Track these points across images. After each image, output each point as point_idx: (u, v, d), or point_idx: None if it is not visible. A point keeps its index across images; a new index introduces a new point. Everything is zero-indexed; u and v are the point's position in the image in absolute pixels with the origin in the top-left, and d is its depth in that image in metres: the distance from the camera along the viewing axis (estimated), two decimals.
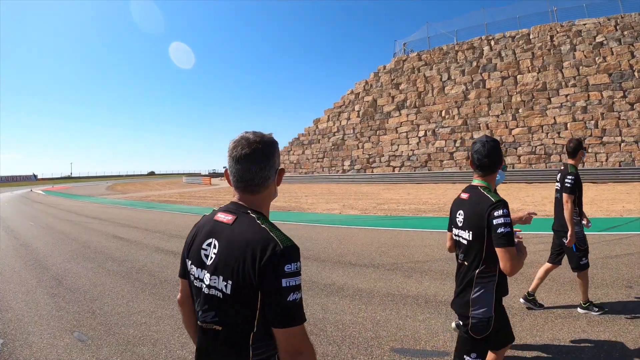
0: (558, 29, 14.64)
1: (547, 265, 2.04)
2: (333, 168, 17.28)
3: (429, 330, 1.97)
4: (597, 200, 7.98)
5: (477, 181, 1.07)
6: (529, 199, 8.42)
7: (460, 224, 1.07)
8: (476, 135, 15.38)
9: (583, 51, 14.61)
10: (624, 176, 13.00)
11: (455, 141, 15.05)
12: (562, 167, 2.05)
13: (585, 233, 2.03)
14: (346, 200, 9.62)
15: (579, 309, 1.93)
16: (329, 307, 2.32)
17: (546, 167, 13.85)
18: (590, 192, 9.54)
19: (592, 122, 14.33)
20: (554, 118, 14.62)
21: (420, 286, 2.73)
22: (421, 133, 15.59)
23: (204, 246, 0.63)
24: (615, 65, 14.60)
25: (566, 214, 1.82)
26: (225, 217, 0.64)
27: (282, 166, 0.70)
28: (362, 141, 16.80)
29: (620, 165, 13.65)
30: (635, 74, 14.44)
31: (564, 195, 1.85)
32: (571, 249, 1.85)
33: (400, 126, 16.14)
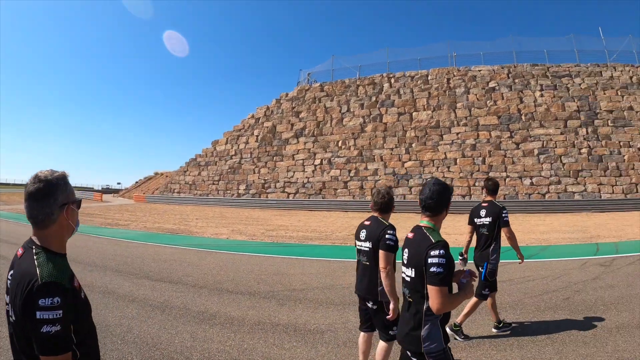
0: (455, 73, 17.82)
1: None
2: (228, 191, 19.44)
3: (293, 359, 2.26)
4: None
5: (423, 222, 1.31)
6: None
7: (405, 262, 1.30)
8: (370, 166, 17.47)
9: (476, 94, 17.05)
10: (508, 208, 15.03)
11: (349, 171, 17.34)
12: (486, 204, 2.65)
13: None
14: (236, 225, 10.58)
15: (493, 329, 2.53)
16: (198, 335, 2.61)
17: None
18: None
19: (480, 158, 16.37)
20: (445, 154, 16.33)
21: (292, 314, 3.11)
22: (317, 161, 18.10)
23: (9, 276, 0.81)
24: (505, 108, 17.47)
25: (512, 243, 2.53)
26: (19, 251, 0.82)
27: (80, 198, 0.91)
28: (258, 166, 19.34)
29: (505, 198, 15.62)
30: (522, 117, 17.14)
31: (505, 229, 2.51)
32: (480, 278, 2.34)
33: (297, 153, 18.79)
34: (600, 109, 17.03)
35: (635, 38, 19.57)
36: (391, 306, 1.78)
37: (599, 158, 16.20)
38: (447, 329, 2.21)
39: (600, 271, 4.73)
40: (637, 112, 17.15)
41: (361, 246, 1.91)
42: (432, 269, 1.15)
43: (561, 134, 16.27)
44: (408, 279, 1.28)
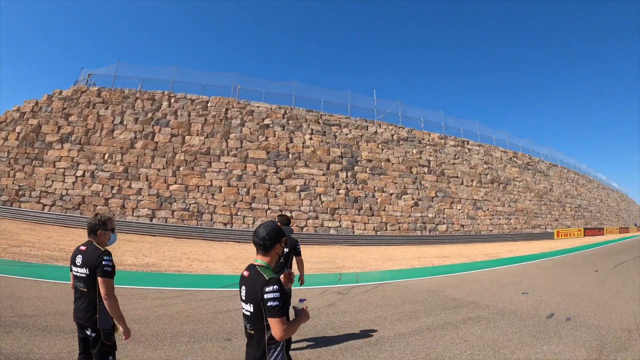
0: (235, 104, 23.91)
1: None
2: None
3: None
4: (232, 258, 12.95)
5: (257, 261, 1.92)
6: (168, 254, 12.59)
7: (244, 298, 1.87)
8: (135, 185, 20.45)
9: (250, 128, 23.94)
10: None
11: (112, 187, 20.17)
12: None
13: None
14: None
15: None
16: None
17: (197, 225, 19.96)
18: (229, 251, 15.11)
19: (245, 189, 22.88)
20: (211, 181, 21.39)
21: (17, 343, 3.59)
22: (80, 172, 20.50)
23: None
24: (275, 145, 25.46)
25: (302, 269, 4.04)
26: None
27: None
28: (15, 169, 20.57)
29: None
30: (290, 156, 25.64)
31: (298, 257, 4.15)
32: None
33: (60, 161, 20.85)
34: (362, 158, 26.68)
35: (403, 104, 31.86)
36: (121, 329, 2.45)
37: (355, 199, 25.11)
38: None
39: (337, 299, 6.78)
40: (392, 164, 27.61)
41: (77, 272, 2.43)
42: (270, 304, 1.72)
43: (323, 175, 24.55)
44: (248, 313, 1.85)
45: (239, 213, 21.40)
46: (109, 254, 2.44)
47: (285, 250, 4.21)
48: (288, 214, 21.47)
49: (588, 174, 58.78)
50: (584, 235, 42.17)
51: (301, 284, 4.67)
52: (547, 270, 13.33)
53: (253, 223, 21.25)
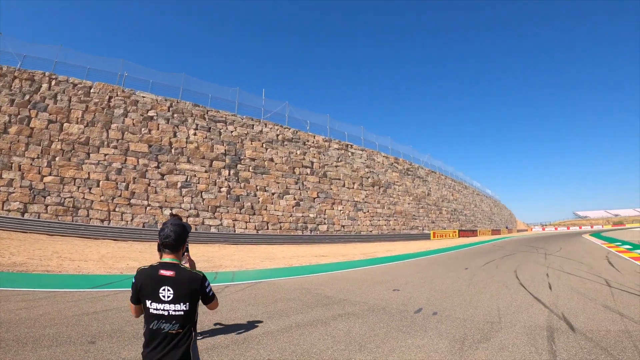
0: (119, 93, 28.52)
1: None
2: None
3: None
4: (107, 257, 14.73)
5: (168, 259, 2.58)
6: (38, 252, 14.17)
7: (169, 299, 2.44)
8: (5, 175, 24.04)
9: (133, 119, 29.73)
10: (146, 236, 26.76)
11: None
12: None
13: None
14: None
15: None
16: None
17: (72, 220, 23.88)
18: (104, 250, 18.24)
19: (124, 184, 28.32)
20: (89, 173, 26.02)
21: None
22: None
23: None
24: (158, 139, 31.43)
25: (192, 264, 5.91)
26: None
27: None
28: None
29: (144, 226, 28.99)
30: (173, 150, 32.23)
31: (187, 254, 5.94)
32: None
33: None
34: (245, 156, 34.26)
35: (290, 105, 40.26)
36: None
37: (237, 197, 32.53)
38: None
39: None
40: (276, 163, 35.69)
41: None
42: (211, 294, 2.67)
43: (205, 172, 31.47)
44: (179, 313, 2.47)
45: (117, 209, 26.37)
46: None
47: None
48: (168, 211, 28.19)
49: (464, 181, 76.15)
50: (459, 237, 55.98)
51: None
52: (420, 269, 16.07)
53: (131, 220, 26.07)
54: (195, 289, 2.56)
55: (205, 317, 6.76)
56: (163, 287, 2.50)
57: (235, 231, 31.08)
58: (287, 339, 5.70)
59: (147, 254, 17.75)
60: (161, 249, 2.74)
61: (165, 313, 2.47)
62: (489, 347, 5.38)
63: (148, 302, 2.51)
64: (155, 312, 2.49)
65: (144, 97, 30.15)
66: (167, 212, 28.00)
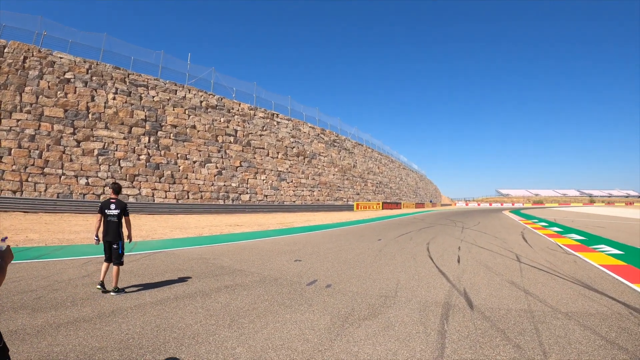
0: (35, 53, 29.03)
1: (105, 263, 7.29)
2: None
3: None
4: (7, 230, 15.15)
5: None
6: None
7: None
8: None
9: (49, 82, 31.03)
10: (61, 208, 29.67)
11: None
12: (114, 200, 7.44)
13: None
14: None
15: (112, 293, 6.93)
16: None
17: None
18: (8, 222, 18.31)
19: (37, 151, 29.22)
20: (0, 141, 30.85)
21: None
22: None
23: None
24: (74, 103, 32.76)
25: (130, 228, 7.48)
26: None
27: None
28: None
29: (58, 197, 30.90)
30: (90, 116, 33.85)
31: (127, 217, 7.48)
32: (118, 251, 7.30)
33: None
34: (167, 123, 36.22)
35: (217, 72, 42.20)
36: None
37: (157, 166, 34.66)
38: (98, 286, 7.09)
39: (97, 269, 8.92)
40: (198, 131, 37.91)
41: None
42: None
43: (124, 138, 33.25)
44: None
45: (29, 179, 27.20)
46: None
47: (117, 211, 7.39)
48: (84, 181, 30.05)
49: (391, 155, 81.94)
50: (382, 209, 61.26)
51: (129, 241, 7.76)
52: (333, 239, 16.84)
53: (45, 190, 26.73)
54: None
55: (82, 290, 7.36)
56: None
57: (154, 201, 33.24)
58: (157, 313, 5.85)
59: (52, 226, 18.50)
60: None
61: None
62: (373, 325, 5.42)
63: None
64: None
65: (61, 57, 31.04)
66: (82, 181, 29.63)
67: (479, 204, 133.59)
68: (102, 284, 7.43)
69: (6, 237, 2.56)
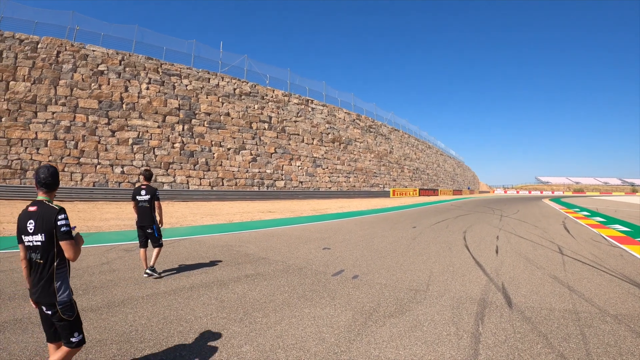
0: (68, 47, 29.68)
1: (142, 249, 7.47)
2: None
3: None
4: None
5: (41, 197, 3.10)
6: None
7: (32, 231, 2.94)
8: None
9: (82, 75, 30.25)
10: (97, 196, 29.34)
11: None
12: (144, 186, 7.66)
13: None
14: None
15: (148, 270, 7.30)
16: None
17: (21, 183, 25.67)
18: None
19: (73, 142, 29.62)
20: (36, 133, 27.04)
21: None
22: None
23: None
24: (108, 94, 32.90)
25: (160, 213, 7.72)
26: None
27: None
28: None
29: (94, 185, 31.26)
30: (124, 106, 33.91)
31: (158, 202, 7.69)
32: (154, 235, 7.55)
33: None
34: (200, 111, 36.24)
35: (250, 59, 41.83)
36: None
37: (191, 153, 34.78)
38: (148, 271, 7.32)
39: (118, 256, 8.95)
40: (232, 118, 37.80)
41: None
42: (63, 228, 2.93)
43: (158, 127, 33.45)
44: (39, 243, 2.95)
45: (66, 169, 27.73)
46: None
47: (148, 196, 7.56)
48: (119, 170, 30.39)
49: (428, 141, 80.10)
50: (419, 195, 60.14)
51: (161, 225, 7.80)
52: (365, 226, 16.56)
53: (81, 180, 27.32)
54: (50, 220, 3.03)
55: (99, 277, 7.29)
56: (30, 221, 3.04)
57: (189, 188, 33.57)
58: (168, 303, 5.68)
59: (84, 214, 18.70)
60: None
61: (34, 243, 3.03)
62: (399, 324, 4.93)
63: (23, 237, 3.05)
64: (27, 243, 3.06)
65: (94, 50, 31.41)
66: (118, 170, 30.07)
67: (517, 192, 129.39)
68: (151, 269, 7.57)
69: (75, 226, 3.18)
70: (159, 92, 33.56)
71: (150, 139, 32.16)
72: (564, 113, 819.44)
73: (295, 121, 43.16)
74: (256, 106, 39.75)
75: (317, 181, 44.34)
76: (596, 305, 5.93)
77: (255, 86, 40.57)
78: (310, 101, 46.07)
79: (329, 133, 47.05)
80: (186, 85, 35.42)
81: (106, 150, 29.90)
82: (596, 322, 5.19)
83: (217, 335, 4.59)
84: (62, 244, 3.01)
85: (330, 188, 45.54)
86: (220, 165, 35.77)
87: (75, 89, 29.69)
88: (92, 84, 30.51)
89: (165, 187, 31.89)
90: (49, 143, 28.16)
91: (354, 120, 52.59)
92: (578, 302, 6.08)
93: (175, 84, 34.80)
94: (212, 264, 8.57)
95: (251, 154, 38.07)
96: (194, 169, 34.16)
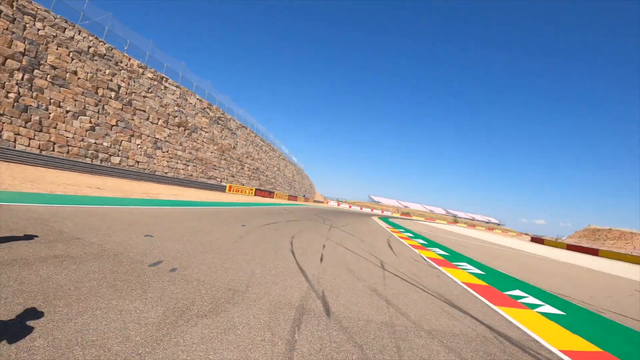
0: None
1: None
2: None
3: None
4: None
5: None
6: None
7: None
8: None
9: None
10: None
11: None
12: None
13: None
14: None
15: None
16: None
17: None
18: None
19: None
20: None
21: None
22: None
23: None
24: None
25: None
26: None
27: None
28: None
29: None
30: None
31: None
32: None
33: None
34: (46, 62, 34.42)
35: (115, 18, 40.83)
36: None
37: (25, 108, 32.78)
38: None
39: None
40: (79, 78, 36.07)
41: None
42: None
43: None
44: None
45: None
46: None
47: None
48: None
49: (273, 144, 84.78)
50: (255, 195, 62.56)
51: None
52: (195, 217, 16.61)
53: None
54: None
55: None
56: None
57: (15, 147, 30.78)
58: None
59: None
60: None
61: None
62: (212, 325, 4.90)
63: None
64: None
65: None
66: None
67: (350, 206, 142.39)
68: None
69: None
70: (7, 29, 31.31)
71: None
72: (403, 144, 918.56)
73: (144, 96, 42.76)
74: (107, 71, 38.61)
75: (155, 164, 43.81)
76: (411, 320, 6.46)
77: (112, 49, 39.41)
78: (165, 79, 45.98)
79: (176, 116, 47.42)
80: (38, 30, 33.19)
81: None
82: (411, 336, 5.66)
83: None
84: None
85: (166, 173, 45.23)
86: (55, 127, 33.79)
87: None
88: None
89: None
90: None
91: (205, 108, 53.70)
92: (395, 315, 6.51)
93: (27, 25, 32.59)
94: (19, 238, 7.52)
95: (90, 122, 36.57)
96: (25, 127, 31.96)
